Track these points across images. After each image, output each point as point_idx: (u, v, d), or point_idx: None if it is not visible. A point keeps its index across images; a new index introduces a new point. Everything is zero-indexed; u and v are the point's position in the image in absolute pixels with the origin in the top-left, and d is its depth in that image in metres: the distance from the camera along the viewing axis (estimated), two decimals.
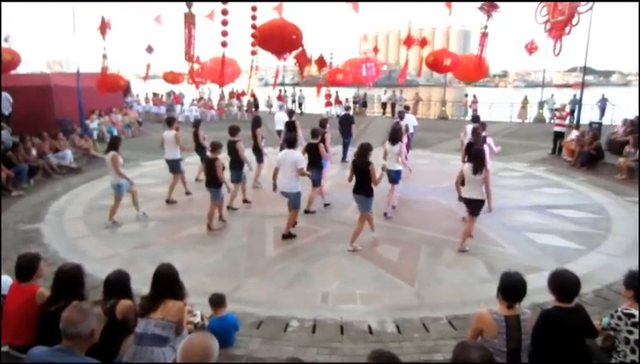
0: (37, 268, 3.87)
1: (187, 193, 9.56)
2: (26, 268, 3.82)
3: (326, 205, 8.77)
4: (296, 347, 4.43)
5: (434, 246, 6.98)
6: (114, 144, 7.95)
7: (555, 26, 9.20)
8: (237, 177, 8.64)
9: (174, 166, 9.35)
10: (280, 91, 28.78)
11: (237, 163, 8.59)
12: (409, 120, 12.14)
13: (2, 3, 12.81)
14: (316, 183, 8.52)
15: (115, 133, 17.50)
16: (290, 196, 7.19)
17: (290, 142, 7.43)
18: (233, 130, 8.67)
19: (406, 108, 16.24)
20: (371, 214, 6.99)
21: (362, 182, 6.69)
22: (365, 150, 6.72)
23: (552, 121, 17.45)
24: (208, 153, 7.82)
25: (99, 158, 13.58)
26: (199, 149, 10.30)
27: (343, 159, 12.58)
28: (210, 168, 7.57)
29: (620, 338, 3.41)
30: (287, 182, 7.11)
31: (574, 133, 14.03)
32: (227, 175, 7.95)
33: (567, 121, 14.72)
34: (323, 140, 8.66)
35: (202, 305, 4.59)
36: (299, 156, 7.27)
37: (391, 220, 8.10)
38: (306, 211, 8.34)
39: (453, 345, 2.69)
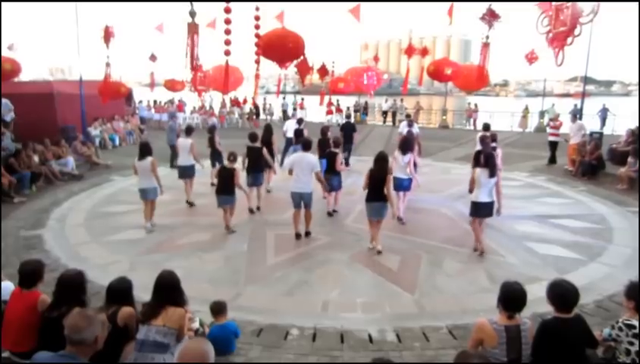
0: (42, 274, 3.89)
1: (191, 204, 9.62)
2: (31, 275, 3.83)
3: (330, 214, 8.81)
4: (296, 355, 4.42)
5: (435, 255, 6.98)
6: (148, 150, 7.95)
7: (557, 37, 9.25)
8: (254, 180, 8.98)
9: (187, 171, 9.63)
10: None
11: (255, 167, 8.96)
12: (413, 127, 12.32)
13: (2, 4, 12.88)
14: (338, 187, 8.93)
15: (117, 140, 17.64)
16: (305, 196, 7.46)
17: (305, 144, 7.67)
18: (253, 137, 9.18)
19: (408, 116, 16.39)
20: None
21: (381, 190, 6.80)
22: (385, 161, 6.91)
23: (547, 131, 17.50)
24: (226, 162, 7.99)
25: (101, 164, 13.68)
26: (215, 154, 10.69)
27: (346, 164, 12.64)
28: (228, 177, 7.68)
29: (621, 349, 3.42)
30: (303, 184, 7.40)
31: (576, 126, 13.89)
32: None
33: (561, 131, 14.74)
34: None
35: (203, 313, 4.58)
36: (316, 160, 7.57)
37: (392, 229, 8.10)
38: (332, 212, 8.89)
39: (454, 354, 2.71)
